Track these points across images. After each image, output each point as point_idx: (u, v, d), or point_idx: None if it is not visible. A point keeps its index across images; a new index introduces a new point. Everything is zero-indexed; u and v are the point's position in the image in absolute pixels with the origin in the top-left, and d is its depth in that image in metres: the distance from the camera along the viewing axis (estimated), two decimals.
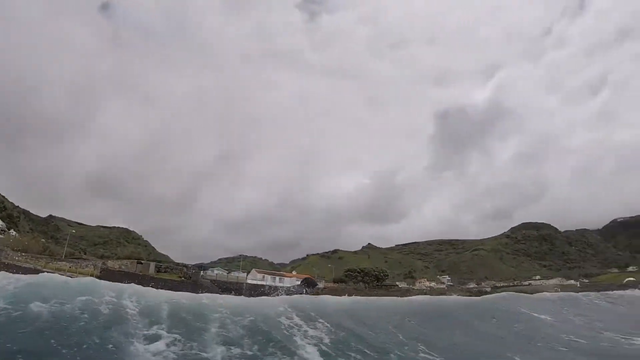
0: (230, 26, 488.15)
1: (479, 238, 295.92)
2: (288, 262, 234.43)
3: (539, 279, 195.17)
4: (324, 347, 12.69)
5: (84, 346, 9.72)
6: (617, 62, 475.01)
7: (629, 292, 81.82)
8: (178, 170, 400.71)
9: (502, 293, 56.57)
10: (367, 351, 13.42)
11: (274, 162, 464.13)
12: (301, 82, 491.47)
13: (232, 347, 11.27)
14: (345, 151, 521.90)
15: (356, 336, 15.07)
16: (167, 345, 10.61)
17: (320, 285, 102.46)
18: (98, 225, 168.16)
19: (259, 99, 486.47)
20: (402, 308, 23.66)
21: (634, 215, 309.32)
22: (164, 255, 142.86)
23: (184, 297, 15.38)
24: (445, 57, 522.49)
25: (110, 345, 10.01)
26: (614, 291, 77.28)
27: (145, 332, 11.16)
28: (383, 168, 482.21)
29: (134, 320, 11.72)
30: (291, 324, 14.52)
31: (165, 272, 71.92)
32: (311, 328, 14.40)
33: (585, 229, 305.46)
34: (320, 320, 15.57)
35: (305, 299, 21.57)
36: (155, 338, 10.90)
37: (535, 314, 28.75)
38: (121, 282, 18.81)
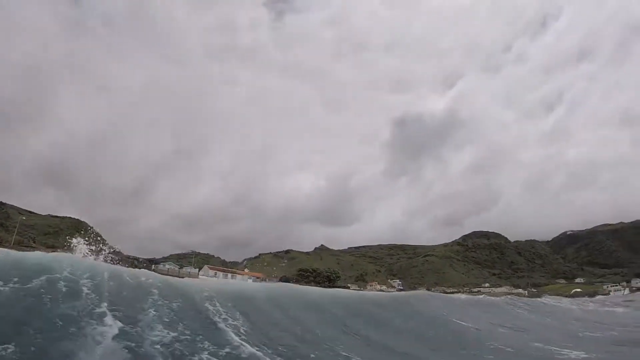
0: (194, 18, 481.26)
1: (431, 244, 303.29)
2: (241, 261, 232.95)
3: (488, 287, 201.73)
4: (242, 337, 13.34)
5: (47, 329, 10.39)
6: (573, 81, 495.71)
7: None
8: (133, 161, 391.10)
9: (418, 291, 58.48)
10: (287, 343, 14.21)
11: (230, 159, 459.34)
12: (262, 79, 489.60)
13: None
14: (302, 151, 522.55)
15: (277, 326, 16.06)
16: (119, 327, 11.58)
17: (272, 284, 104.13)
18: (49, 215, 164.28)
19: (219, 94, 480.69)
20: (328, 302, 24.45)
21: (582, 229, 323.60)
22: (115, 248, 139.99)
23: (126, 273, 16.22)
24: (406, 65, 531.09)
25: (73, 328, 10.70)
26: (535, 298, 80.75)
27: (97, 310, 11.97)
28: (338, 170, 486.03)
29: (89, 299, 12.62)
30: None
31: (117, 264, 71.96)
32: (230, 317, 15.06)
33: (534, 240, 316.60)
34: (240, 310, 16.26)
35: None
36: (105, 316, 11.85)
37: (455, 319, 28.71)
38: None
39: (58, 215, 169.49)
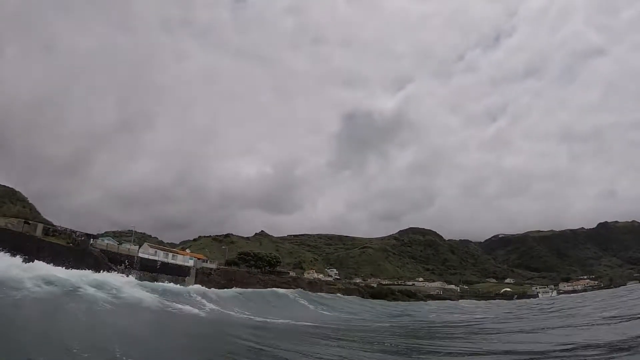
0: None
1: (368, 237, 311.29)
2: (178, 242, 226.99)
3: (422, 281, 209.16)
4: None
5: None
6: (518, 95, 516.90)
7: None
8: (72, 131, 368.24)
9: None
10: None
11: (174, 137, 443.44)
12: (215, 59, 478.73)
13: None
14: (249, 136, 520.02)
15: None
16: None
17: (213, 266, 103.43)
18: None
19: (169, 69, 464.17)
20: None
21: (514, 233, 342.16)
22: (48, 221, 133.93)
23: None
24: (359, 62, 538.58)
25: None
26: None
27: None
28: (284, 158, 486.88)
29: None
30: None
31: (53, 235, 69.21)
32: None
33: (468, 240, 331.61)
34: None
35: None
36: None
37: None
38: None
39: None
